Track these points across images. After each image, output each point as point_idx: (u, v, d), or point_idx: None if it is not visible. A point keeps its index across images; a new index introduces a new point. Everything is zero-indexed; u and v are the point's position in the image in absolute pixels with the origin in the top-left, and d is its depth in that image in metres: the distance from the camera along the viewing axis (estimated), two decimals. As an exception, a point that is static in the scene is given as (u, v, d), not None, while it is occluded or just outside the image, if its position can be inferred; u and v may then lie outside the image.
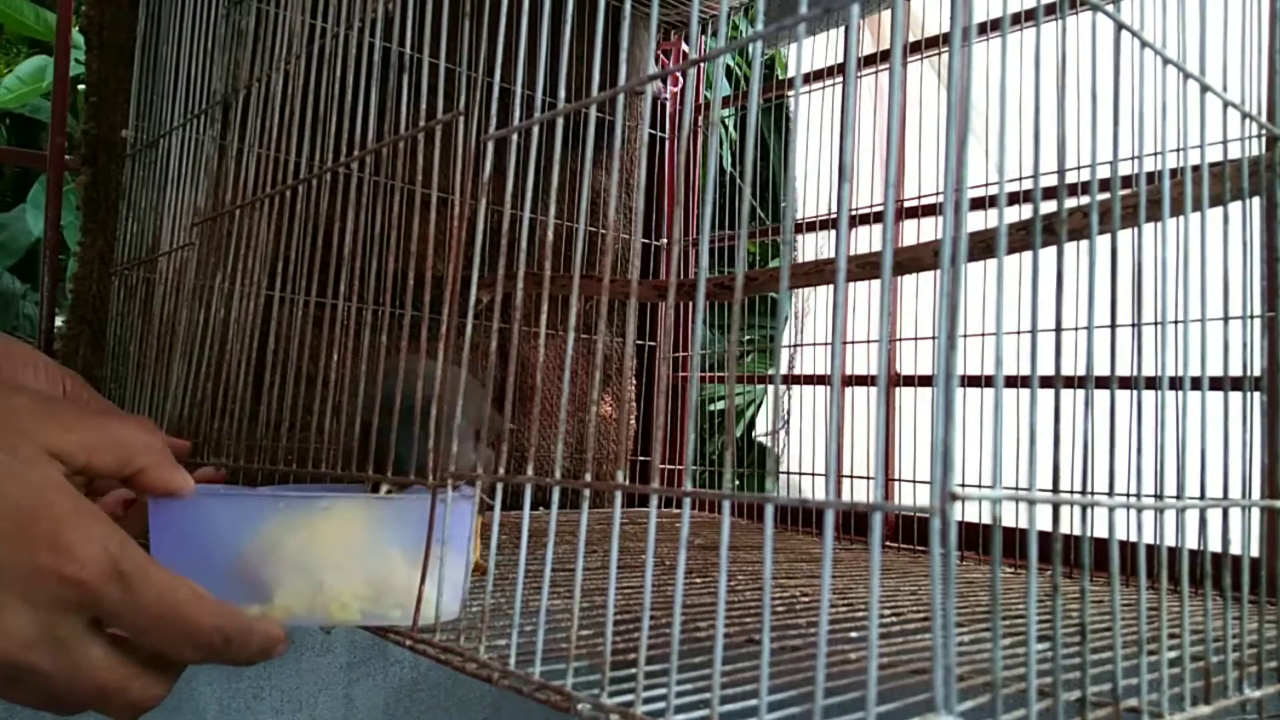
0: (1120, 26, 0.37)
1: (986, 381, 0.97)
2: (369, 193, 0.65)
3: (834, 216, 0.84)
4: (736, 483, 1.39)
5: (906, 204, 1.18)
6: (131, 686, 0.37)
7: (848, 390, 1.21)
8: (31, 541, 0.33)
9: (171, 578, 0.37)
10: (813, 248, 1.30)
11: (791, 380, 1.30)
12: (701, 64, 1.50)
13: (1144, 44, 0.38)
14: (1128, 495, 0.38)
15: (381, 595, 0.46)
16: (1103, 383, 0.37)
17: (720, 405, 2.27)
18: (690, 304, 1.38)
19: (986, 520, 0.29)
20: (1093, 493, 0.38)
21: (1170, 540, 0.42)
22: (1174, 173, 0.43)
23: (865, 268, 0.81)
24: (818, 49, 1.32)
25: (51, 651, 0.34)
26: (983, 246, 0.65)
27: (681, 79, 1.48)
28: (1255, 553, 0.47)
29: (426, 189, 0.57)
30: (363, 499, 0.50)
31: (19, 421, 0.36)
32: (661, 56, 1.53)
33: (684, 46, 1.51)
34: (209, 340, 0.79)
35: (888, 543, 1.12)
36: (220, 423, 0.76)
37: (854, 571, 0.90)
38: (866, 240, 1.23)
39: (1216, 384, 0.42)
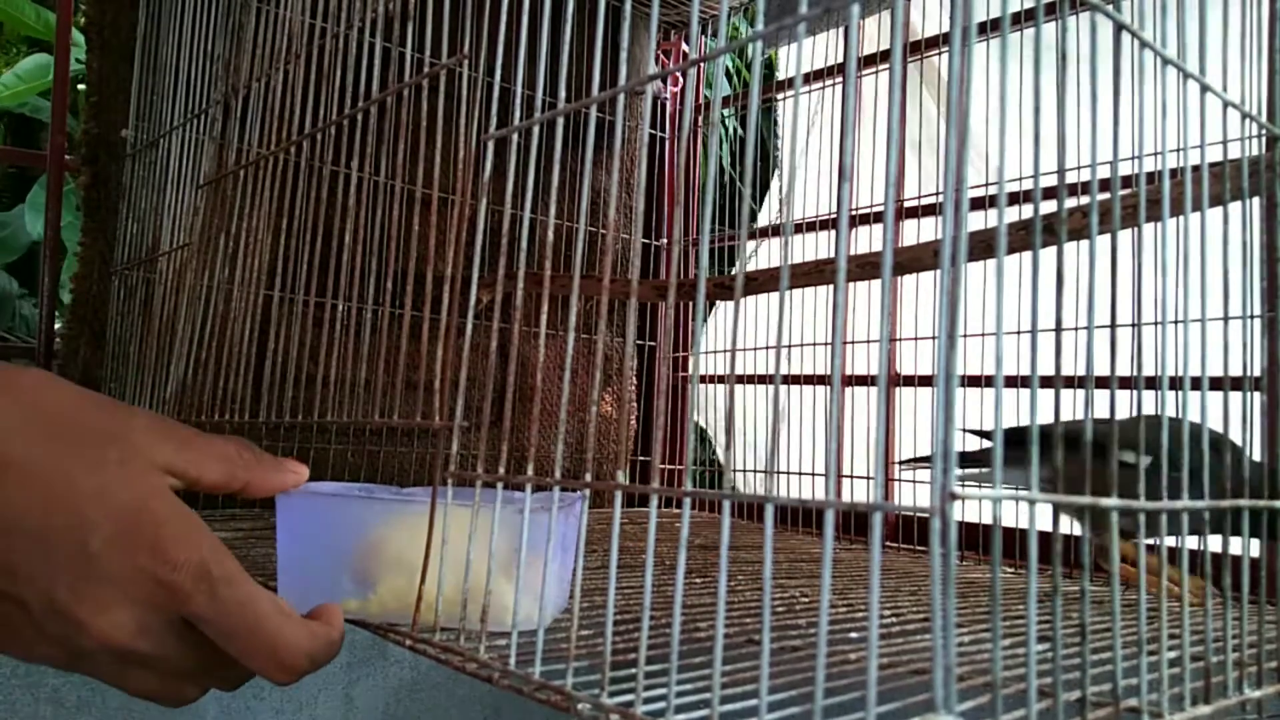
0: (1120, 26, 0.37)
1: (986, 381, 0.97)
2: (369, 190, 0.65)
3: (834, 216, 0.84)
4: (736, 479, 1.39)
5: (906, 204, 1.18)
6: (230, 668, 0.41)
7: (848, 390, 1.21)
8: (135, 544, 0.37)
9: (258, 591, 0.39)
10: (813, 248, 1.30)
11: (790, 380, 1.30)
12: (701, 64, 1.50)
13: (1144, 44, 0.38)
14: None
15: (469, 601, 0.46)
16: (1103, 383, 0.37)
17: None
18: (690, 304, 1.38)
19: (986, 520, 0.29)
20: (1093, 493, 0.38)
21: (1170, 540, 0.42)
22: (1174, 173, 0.43)
23: (865, 268, 0.81)
24: (809, 50, 1.32)
25: (149, 639, 0.38)
26: (983, 246, 0.65)
27: (681, 79, 1.48)
28: (1255, 553, 0.47)
29: (428, 189, 0.57)
30: (465, 507, 0.49)
31: (135, 439, 0.40)
32: (661, 56, 1.53)
33: (684, 46, 1.51)
34: (214, 303, 0.80)
35: (888, 543, 1.12)
36: (225, 381, 0.76)
37: (854, 572, 0.90)
38: (866, 240, 1.23)
39: (1216, 384, 0.42)
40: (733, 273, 1.24)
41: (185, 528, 0.38)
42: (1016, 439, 0.42)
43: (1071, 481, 0.37)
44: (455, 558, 0.47)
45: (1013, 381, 0.88)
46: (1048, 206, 0.67)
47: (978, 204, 1.10)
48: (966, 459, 0.84)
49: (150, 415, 0.42)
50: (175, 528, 0.38)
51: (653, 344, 1.49)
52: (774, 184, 1.47)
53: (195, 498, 0.43)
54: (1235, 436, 0.55)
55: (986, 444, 0.86)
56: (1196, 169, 0.41)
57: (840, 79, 1.26)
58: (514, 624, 0.44)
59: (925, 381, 1.16)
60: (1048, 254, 0.33)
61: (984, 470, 0.83)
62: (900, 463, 0.97)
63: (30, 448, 0.37)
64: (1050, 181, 0.34)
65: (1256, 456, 0.58)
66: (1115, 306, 0.43)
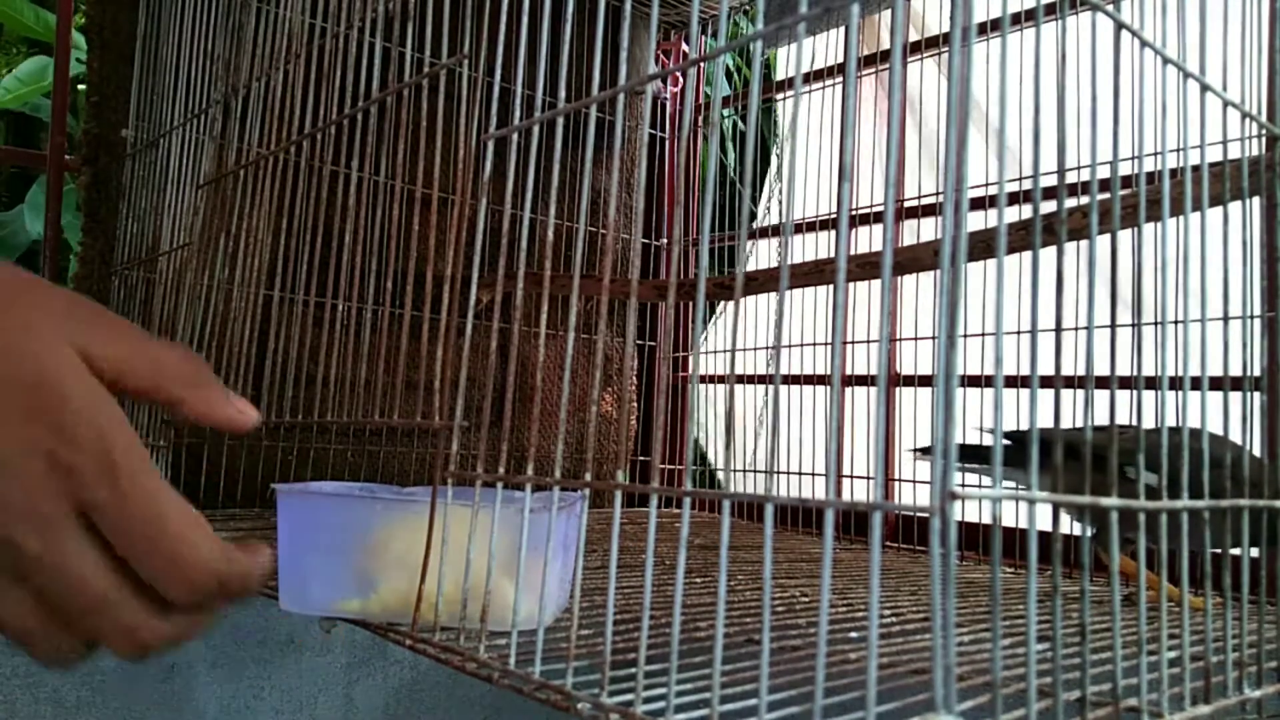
0: (1120, 26, 0.37)
1: (986, 381, 0.97)
2: (369, 188, 0.65)
3: (834, 216, 0.84)
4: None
5: (906, 204, 1.18)
6: (130, 608, 0.34)
7: (848, 390, 1.21)
8: (33, 416, 0.32)
9: (169, 489, 0.33)
10: (812, 248, 1.30)
11: (792, 380, 1.30)
12: (701, 64, 1.50)
13: (1144, 44, 0.38)
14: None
15: (469, 600, 0.46)
16: (1103, 383, 0.37)
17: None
18: (690, 304, 1.38)
19: (986, 520, 0.29)
20: (1093, 493, 0.38)
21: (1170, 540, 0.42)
22: (1174, 173, 0.43)
23: (865, 268, 0.81)
24: (814, 49, 1.32)
25: (38, 530, 0.32)
26: (983, 246, 0.65)
27: (681, 79, 1.48)
28: (1255, 553, 0.47)
29: (428, 189, 0.57)
30: (466, 506, 0.49)
31: (51, 307, 0.34)
32: (661, 56, 1.53)
33: (684, 46, 1.51)
34: (214, 303, 0.79)
35: (888, 543, 1.12)
36: (225, 380, 0.76)
37: (854, 572, 0.90)
38: (866, 240, 1.23)
39: (1216, 384, 0.42)
40: (732, 272, 1.24)
41: (93, 406, 0.33)
42: (1020, 441, 0.42)
43: (1072, 490, 0.37)
44: (456, 557, 0.47)
45: (1013, 381, 0.88)
46: (1048, 206, 0.66)
47: (978, 204, 1.10)
48: (972, 452, 0.84)
49: (77, 296, 0.37)
50: (82, 403, 0.33)
51: (653, 344, 1.49)
52: (769, 184, 1.46)
53: (195, 495, 0.42)
54: (1235, 436, 0.55)
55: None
56: (1196, 169, 0.41)
57: (841, 79, 1.26)
58: (514, 623, 0.44)
59: (925, 381, 1.16)
60: (1048, 254, 0.33)
61: (988, 466, 0.82)
62: (912, 450, 0.96)
63: None
64: (1050, 181, 0.34)
65: (1256, 453, 0.58)
66: (1115, 306, 0.43)
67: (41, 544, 0.32)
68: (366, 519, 0.51)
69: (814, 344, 1.27)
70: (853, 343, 1.21)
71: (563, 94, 0.46)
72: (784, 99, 1.50)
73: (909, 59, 1.21)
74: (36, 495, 0.32)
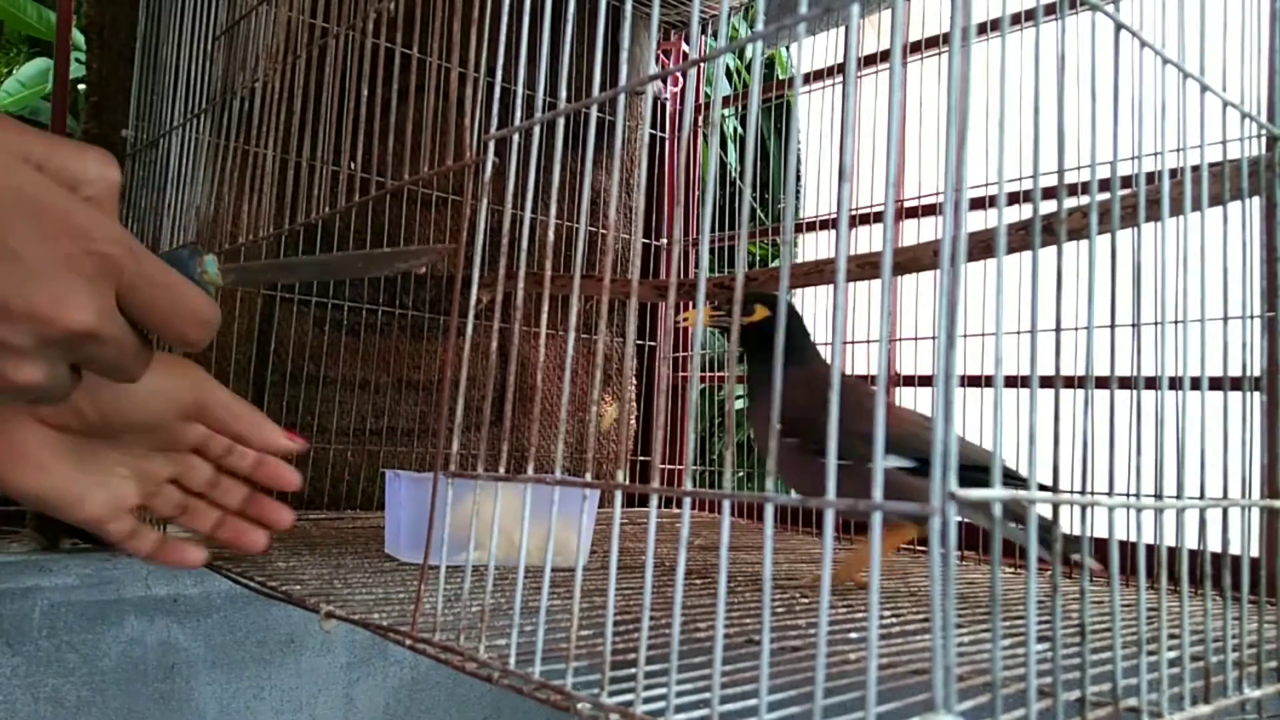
0: (1120, 26, 0.37)
1: (986, 381, 0.97)
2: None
3: (834, 216, 0.84)
4: (739, 477, 1.39)
5: (906, 204, 1.18)
6: (147, 345, 0.41)
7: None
8: (53, 233, 0.36)
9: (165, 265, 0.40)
10: (813, 248, 1.30)
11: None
12: (701, 64, 1.50)
13: (1144, 44, 0.38)
14: (1127, 495, 0.38)
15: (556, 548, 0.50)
16: (1103, 383, 0.37)
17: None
18: (690, 304, 1.38)
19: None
20: (1092, 492, 0.38)
21: (1170, 540, 0.42)
22: (1174, 173, 0.43)
23: (865, 268, 0.81)
24: (819, 48, 1.32)
25: (112, 321, 0.38)
26: (983, 246, 0.65)
27: (681, 79, 1.48)
28: (1255, 553, 0.47)
29: (428, 189, 0.57)
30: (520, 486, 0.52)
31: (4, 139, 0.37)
32: (662, 56, 1.53)
33: (684, 46, 1.51)
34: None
35: (888, 543, 1.12)
36: (225, 382, 0.76)
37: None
38: (867, 240, 1.23)
39: (1216, 384, 0.42)
40: (733, 273, 1.24)
41: (86, 209, 0.38)
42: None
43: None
44: (508, 524, 0.49)
45: (1013, 381, 0.88)
46: (1048, 206, 0.67)
47: (978, 204, 1.10)
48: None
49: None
50: (80, 211, 0.37)
51: (652, 344, 1.49)
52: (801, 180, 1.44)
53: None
54: (1235, 436, 0.55)
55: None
56: (1196, 169, 0.41)
57: (841, 78, 1.26)
58: (579, 564, 0.44)
59: (925, 381, 1.16)
60: (1048, 254, 0.33)
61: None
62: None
63: None
64: (1050, 181, 0.34)
65: (1257, 456, 0.57)
66: (1115, 306, 0.43)
67: (114, 327, 0.38)
68: (465, 493, 0.55)
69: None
70: (853, 343, 1.21)
71: (563, 94, 0.46)
72: (784, 98, 1.50)
73: (909, 59, 1.21)
74: (99, 293, 0.37)
